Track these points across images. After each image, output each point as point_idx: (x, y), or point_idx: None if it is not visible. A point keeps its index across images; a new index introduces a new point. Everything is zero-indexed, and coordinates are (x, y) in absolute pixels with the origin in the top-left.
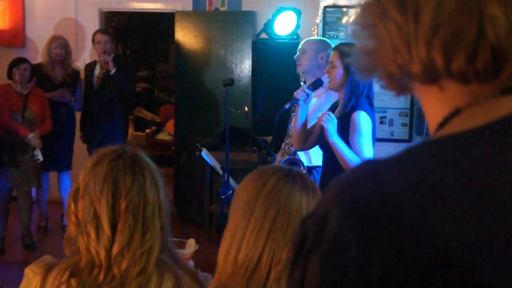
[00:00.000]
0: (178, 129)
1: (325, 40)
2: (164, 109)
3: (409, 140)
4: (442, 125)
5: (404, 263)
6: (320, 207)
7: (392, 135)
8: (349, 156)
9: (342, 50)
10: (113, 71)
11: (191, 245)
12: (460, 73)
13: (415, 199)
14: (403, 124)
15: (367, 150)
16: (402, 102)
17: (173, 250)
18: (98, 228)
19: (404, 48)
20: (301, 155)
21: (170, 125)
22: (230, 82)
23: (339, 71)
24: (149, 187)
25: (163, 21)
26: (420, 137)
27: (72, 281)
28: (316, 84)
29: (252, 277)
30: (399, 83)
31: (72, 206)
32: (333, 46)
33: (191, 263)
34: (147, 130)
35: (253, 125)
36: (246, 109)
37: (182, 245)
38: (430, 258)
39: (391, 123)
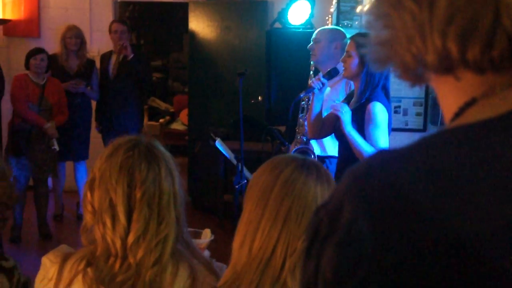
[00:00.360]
0: (192, 118)
1: (339, 29)
2: (178, 99)
3: (424, 129)
4: (457, 115)
5: (419, 254)
6: (334, 197)
7: (406, 124)
8: (364, 147)
9: (359, 40)
10: (131, 57)
11: (206, 235)
12: (475, 62)
13: (430, 189)
14: (418, 114)
15: (383, 141)
16: (416, 91)
17: (188, 239)
18: (114, 218)
19: (418, 38)
20: (315, 144)
21: (184, 115)
22: (244, 72)
23: (355, 60)
24: (164, 177)
25: (177, 11)
26: (435, 126)
27: (89, 270)
28: (332, 73)
29: (266, 267)
30: (413, 73)
31: (89, 195)
32: (347, 35)
33: (206, 253)
34: (161, 120)
35: (267, 114)
36: (260, 98)
37: (197, 235)
38: (446, 249)
39: (405, 113)
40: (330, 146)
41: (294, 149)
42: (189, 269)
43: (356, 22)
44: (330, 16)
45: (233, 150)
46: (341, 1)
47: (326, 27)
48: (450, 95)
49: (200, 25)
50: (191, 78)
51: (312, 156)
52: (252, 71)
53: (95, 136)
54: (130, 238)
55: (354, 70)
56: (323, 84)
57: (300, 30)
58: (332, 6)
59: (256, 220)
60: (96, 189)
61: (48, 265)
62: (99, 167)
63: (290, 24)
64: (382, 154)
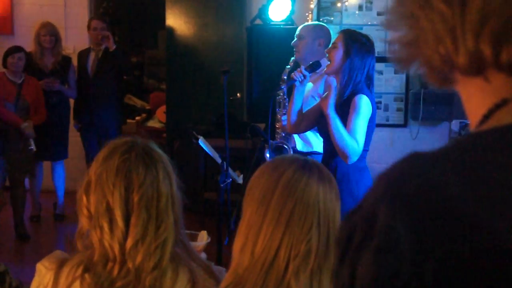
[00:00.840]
0: (170, 116)
1: (323, 26)
2: (154, 96)
3: (405, 125)
4: (486, 117)
5: (461, 259)
6: (368, 201)
7: (387, 120)
8: (342, 133)
9: (347, 34)
10: (113, 48)
11: (203, 238)
12: (509, 64)
13: (470, 193)
14: (398, 109)
15: (361, 132)
16: (397, 87)
17: (186, 242)
18: (111, 222)
19: (449, 39)
20: (298, 140)
21: (160, 112)
22: (228, 70)
23: (339, 51)
24: (162, 179)
25: (152, 7)
26: (416, 122)
27: (86, 276)
28: (314, 66)
29: (269, 271)
30: (440, 74)
31: (84, 199)
32: (331, 31)
33: (203, 255)
34: (137, 118)
35: (248, 111)
36: (239, 95)
37: (194, 238)
38: (487, 256)
39: (386, 108)
40: (316, 142)
41: (268, 147)
42: (188, 273)
43: (337, 18)
44: (310, 12)
45: (215, 148)
46: None
47: (309, 23)
48: (478, 97)
49: (177, 21)
50: (169, 75)
51: (288, 151)
52: (231, 67)
53: (73, 135)
54: (129, 243)
55: (338, 61)
56: (304, 76)
57: (281, 26)
58: (312, 2)
59: (258, 222)
60: (92, 193)
61: (43, 271)
62: (95, 170)
63: (271, 20)
64: (416, 157)
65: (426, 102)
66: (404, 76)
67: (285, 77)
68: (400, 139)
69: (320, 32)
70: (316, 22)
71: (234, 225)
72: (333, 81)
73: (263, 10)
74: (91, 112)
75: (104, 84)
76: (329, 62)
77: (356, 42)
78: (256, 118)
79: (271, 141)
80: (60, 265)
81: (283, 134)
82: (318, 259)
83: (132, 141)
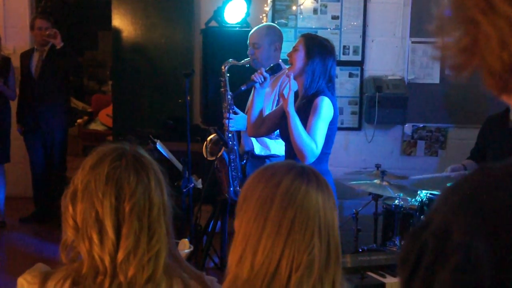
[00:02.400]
0: (116, 119)
1: (274, 29)
2: (96, 98)
3: (359, 128)
4: None
5: None
6: (437, 217)
7: (342, 123)
8: (302, 133)
9: (308, 37)
10: (61, 45)
11: (185, 246)
12: None
13: None
14: (353, 113)
15: (320, 133)
16: (351, 90)
17: (176, 252)
18: (101, 232)
19: None
20: (256, 144)
21: (102, 115)
22: (190, 73)
23: (301, 54)
24: (154, 188)
25: (93, 7)
26: (370, 125)
27: None
28: (275, 69)
29: (271, 283)
30: (501, 81)
31: (70, 209)
32: (283, 33)
33: None
34: (78, 120)
35: (203, 114)
36: (188, 98)
37: None
38: None
39: (340, 112)
40: (273, 144)
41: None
42: (182, 284)
43: (292, 21)
44: (265, 15)
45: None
46: (277, 0)
47: (260, 28)
48: None
49: (124, 22)
50: (115, 78)
51: (229, 144)
52: (179, 70)
53: (16, 138)
54: (120, 255)
55: (300, 64)
56: (265, 78)
57: (236, 28)
58: (267, 5)
59: (257, 234)
60: (78, 202)
61: (26, 286)
62: (82, 178)
63: (226, 23)
64: (487, 171)
65: (381, 105)
66: (358, 79)
67: (224, 69)
68: (355, 142)
69: (274, 36)
70: (266, 24)
71: (194, 231)
72: (293, 81)
73: (218, 12)
74: (36, 115)
75: (49, 85)
76: (290, 64)
77: (317, 45)
78: (211, 121)
79: (225, 146)
80: (44, 279)
81: (228, 133)
82: (320, 268)
83: (122, 147)
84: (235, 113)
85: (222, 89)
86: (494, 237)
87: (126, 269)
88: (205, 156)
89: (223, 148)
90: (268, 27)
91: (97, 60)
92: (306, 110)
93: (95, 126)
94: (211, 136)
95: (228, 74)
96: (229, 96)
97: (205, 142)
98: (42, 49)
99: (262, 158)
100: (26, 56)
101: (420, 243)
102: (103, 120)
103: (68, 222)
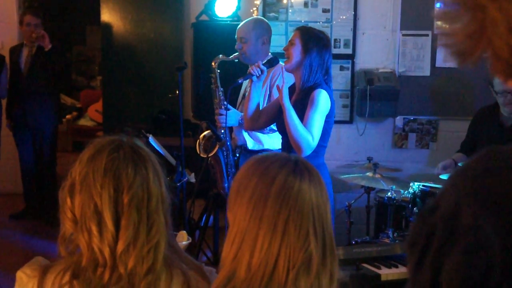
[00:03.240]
0: (106, 114)
1: (261, 21)
2: (85, 94)
3: (350, 121)
4: None
5: None
6: (446, 200)
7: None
8: (298, 126)
9: (304, 30)
10: (49, 47)
11: (183, 238)
12: None
13: None
14: (344, 106)
15: (317, 126)
16: (342, 83)
17: (175, 244)
18: (100, 224)
19: None
20: (248, 138)
21: (92, 111)
22: (183, 66)
23: (297, 47)
24: (152, 179)
25: (80, 1)
26: (362, 118)
27: (75, 282)
28: (272, 62)
29: (270, 283)
30: (508, 67)
31: (68, 201)
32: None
33: None
34: (67, 116)
35: (195, 109)
36: (177, 92)
37: None
38: None
39: None
40: (266, 139)
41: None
42: (182, 275)
43: (283, 15)
44: (256, 8)
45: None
46: None
47: (247, 22)
48: None
49: (113, 17)
50: (104, 73)
51: (226, 142)
52: (169, 65)
53: (6, 134)
54: (120, 246)
55: (297, 58)
56: (262, 71)
57: (227, 22)
58: None
59: (252, 232)
60: (77, 195)
61: (25, 280)
62: (79, 171)
63: (217, 16)
64: (495, 153)
65: (372, 98)
66: (349, 72)
67: (214, 65)
68: (347, 135)
69: (261, 30)
70: (253, 18)
71: (189, 225)
72: (286, 74)
73: (209, 6)
74: (25, 111)
75: (38, 82)
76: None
77: (313, 38)
78: (202, 115)
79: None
80: (44, 272)
81: (222, 131)
82: (318, 264)
83: (119, 139)
84: (227, 109)
85: (213, 85)
86: (503, 218)
87: (126, 261)
88: (198, 152)
89: (217, 146)
90: (255, 21)
91: (85, 55)
92: (303, 103)
93: (84, 122)
94: (204, 133)
95: (218, 70)
96: (220, 93)
97: (198, 140)
98: (31, 45)
99: (255, 153)
100: (15, 52)
101: (429, 227)
102: (92, 116)
103: (66, 215)
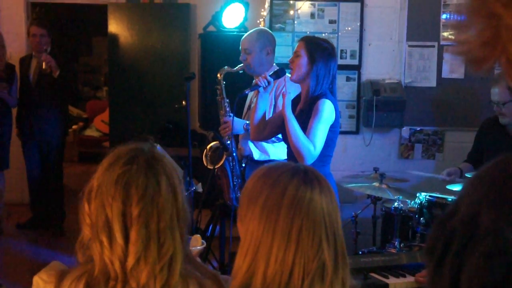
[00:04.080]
0: (113, 125)
1: (265, 32)
2: (91, 104)
3: (357, 132)
4: None
5: None
6: (465, 205)
7: (339, 127)
8: (299, 135)
9: (308, 41)
10: (57, 74)
11: (197, 242)
12: None
13: None
14: (350, 116)
15: (320, 136)
16: (348, 94)
17: (190, 254)
18: (110, 237)
19: None
20: (254, 149)
21: (98, 121)
22: (191, 76)
23: (304, 59)
24: (165, 194)
25: (87, 13)
26: (368, 129)
27: None
28: (279, 73)
29: None
30: None
31: (86, 206)
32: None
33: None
34: (74, 126)
35: (201, 119)
36: (184, 103)
37: None
38: None
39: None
40: (271, 149)
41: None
42: (197, 284)
43: (289, 26)
44: (263, 19)
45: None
46: (274, 4)
47: (251, 33)
48: None
49: (120, 28)
50: (111, 83)
51: (232, 153)
52: (176, 75)
53: (12, 143)
54: (130, 261)
55: (304, 69)
56: (269, 82)
57: (235, 33)
58: (264, 10)
59: (267, 244)
60: (92, 201)
61: (42, 285)
62: (98, 177)
63: (224, 27)
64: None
65: (378, 109)
66: (355, 83)
67: (220, 76)
68: (353, 146)
69: (265, 41)
70: (257, 29)
71: (195, 230)
72: (289, 84)
73: (216, 17)
74: (33, 122)
75: (46, 94)
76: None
77: (318, 48)
78: (209, 125)
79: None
80: (60, 278)
81: (228, 141)
82: (331, 271)
83: (138, 149)
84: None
85: (219, 97)
86: None
87: (138, 276)
88: (205, 164)
89: (224, 157)
90: (259, 32)
91: (91, 66)
92: (309, 113)
93: (90, 132)
94: (211, 144)
95: (224, 82)
96: (226, 103)
97: (205, 151)
98: (39, 56)
99: (261, 163)
100: (24, 62)
101: (448, 231)
102: (98, 126)
103: (85, 220)
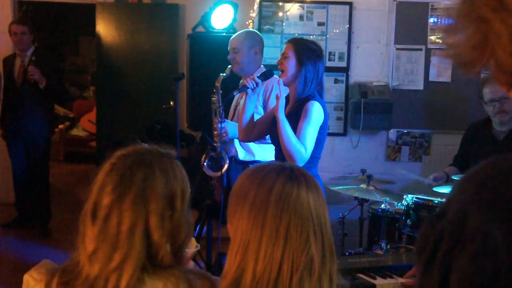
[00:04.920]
0: (100, 124)
1: (253, 32)
2: (78, 104)
3: (344, 134)
4: None
5: None
6: (454, 206)
7: (328, 128)
8: (291, 138)
9: (296, 43)
10: (43, 85)
11: (191, 245)
12: None
13: None
14: (338, 118)
15: (310, 138)
16: (336, 96)
17: (181, 253)
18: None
19: None
20: (240, 149)
21: (84, 121)
22: (180, 77)
23: (292, 61)
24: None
25: (74, 13)
26: (356, 131)
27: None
28: (267, 74)
29: (275, 287)
30: (510, 75)
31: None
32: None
33: (191, 263)
34: (60, 126)
35: (190, 119)
36: (172, 103)
37: None
38: None
39: None
40: (257, 150)
41: (206, 159)
42: (187, 284)
43: (278, 27)
44: (251, 21)
45: None
46: (263, 6)
47: (239, 34)
48: None
49: (107, 28)
50: (98, 83)
51: (225, 161)
52: (164, 75)
53: (0, 143)
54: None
55: (292, 71)
56: (257, 84)
57: (223, 34)
58: (253, 11)
59: (255, 241)
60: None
61: (32, 283)
62: (98, 176)
63: (213, 28)
64: (501, 160)
65: (366, 111)
66: (343, 85)
67: (218, 84)
68: (341, 148)
69: (253, 40)
70: (245, 30)
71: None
72: (283, 86)
73: (205, 18)
74: (18, 121)
75: (32, 93)
76: (281, 71)
77: (306, 50)
78: (197, 126)
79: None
80: (51, 275)
81: (221, 143)
82: (319, 265)
83: (127, 156)
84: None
85: (214, 105)
86: (510, 223)
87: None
88: (205, 171)
89: (226, 166)
90: (247, 32)
91: (78, 65)
92: (297, 115)
93: (77, 132)
94: (212, 154)
95: (221, 91)
96: (221, 111)
97: (203, 157)
98: (23, 54)
99: (246, 164)
100: (8, 61)
101: (437, 232)
102: (85, 126)
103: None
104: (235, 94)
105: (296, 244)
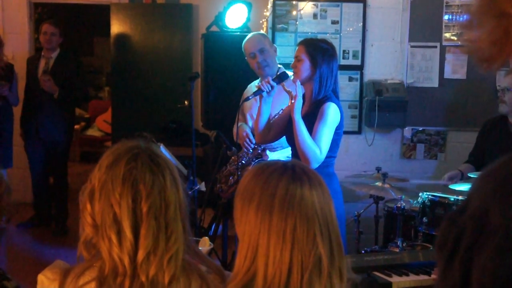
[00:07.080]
0: (116, 124)
1: (264, 34)
2: (93, 104)
3: (359, 132)
4: None
5: None
6: (474, 201)
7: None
8: (307, 139)
9: (308, 44)
10: (56, 94)
11: (205, 244)
12: None
13: None
14: (353, 116)
15: (325, 140)
16: (351, 94)
17: (196, 248)
18: (119, 233)
19: None
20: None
21: (100, 121)
22: (195, 76)
23: (306, 63)
24: (170, 187)
25: (88, 13)
26: (371, 129)
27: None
28: (281, 77)
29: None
30: None
31: (88, 207)
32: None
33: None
34: (76, 126)
35: (204, 118)
36: (186, 103)
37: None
38: None
39: None
40: (275, 157)
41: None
42: (200, 279)
43: (292, 26)
44: (265, 20)
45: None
46: (277, 5)
47: (255, 36)
48: None
49: (122, 28)
50: (113, 83)
51: (233, 150)
52: (178, 75)
53: (16, 143)
54: (140, 255)
55: (307, 73)
56: (272, 87)
57: (238, 33)
58: (267, 10)
59: (264, 246)
60: (96, 201)
61: (46, 283)
62: (99, 177)
63: (227, 28)
64: None
65: (381, 109)
66: (358, 83)
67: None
68: (356, 146)
69: (269, 39)
70: (256, 32)
71: (199, 233)
72: (299, 87)
73: (219, 17)
74: (38, 122)
75: (52, 95)
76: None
77: (319, 50)
78: (212, 125)
79: (255, 157)
80: (65, 275)
81: (252, 147)
82: (328, 263)
83: (137, 146)
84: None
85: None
86: None
87: (147, 270)
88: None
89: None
90: (260, 33)
91: (93, 66)
92: (314, 116)
93: (92, 132)
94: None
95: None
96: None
97: (217, 180)
98: (48, 56)
99: None
100: (33, 62)
101: (458, 227)
102: (100, 126)
103: (86, 220)
104: (250, 97)
105: (304, 245)
